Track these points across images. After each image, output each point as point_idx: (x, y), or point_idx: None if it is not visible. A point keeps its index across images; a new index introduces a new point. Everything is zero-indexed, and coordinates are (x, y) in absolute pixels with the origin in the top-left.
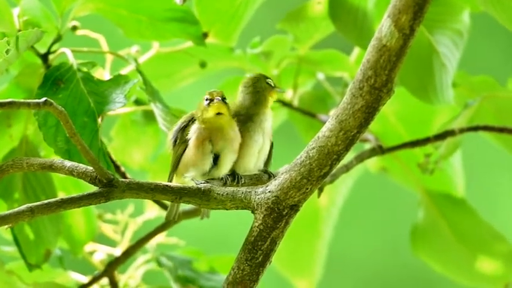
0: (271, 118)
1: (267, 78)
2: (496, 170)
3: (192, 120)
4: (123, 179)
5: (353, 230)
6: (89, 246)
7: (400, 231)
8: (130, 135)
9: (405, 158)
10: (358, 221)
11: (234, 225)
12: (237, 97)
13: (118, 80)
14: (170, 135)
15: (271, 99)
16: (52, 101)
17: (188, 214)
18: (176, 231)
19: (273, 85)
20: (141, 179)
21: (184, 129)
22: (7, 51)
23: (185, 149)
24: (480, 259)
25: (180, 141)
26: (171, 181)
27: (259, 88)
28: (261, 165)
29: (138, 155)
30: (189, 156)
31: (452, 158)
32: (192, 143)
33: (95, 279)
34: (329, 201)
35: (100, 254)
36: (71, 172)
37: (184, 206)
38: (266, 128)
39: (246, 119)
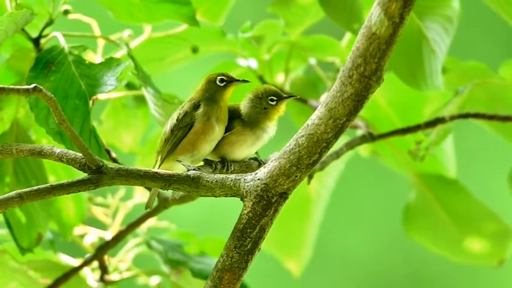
0: (273, 129)
1: (271, 95)
2: (488, 155)
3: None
4: (112, 166)
5: (343, 212)
6: (80, 229)
7: (392, 213)
8: (121, 118)
9: (397, 142)
10: (349, 204)
11: (225, 210)
12: (242, 102)
13: (110, 63)
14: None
15: (276, 115)
16: (41, 87)
17: (179, 200)
18: (167, 215)
19: (282, 97)
20: (130, 161)
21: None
22: None
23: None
24: (472, 237)
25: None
26: (162, 161)
27: (261, 106)
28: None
29: (127, 137)
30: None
31: (444, 142)
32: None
33: (85, 263)
34: (319, 184)
35: (91, 237)
36: (60, 158)
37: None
38: (264, 139)
39: (247, 126)
